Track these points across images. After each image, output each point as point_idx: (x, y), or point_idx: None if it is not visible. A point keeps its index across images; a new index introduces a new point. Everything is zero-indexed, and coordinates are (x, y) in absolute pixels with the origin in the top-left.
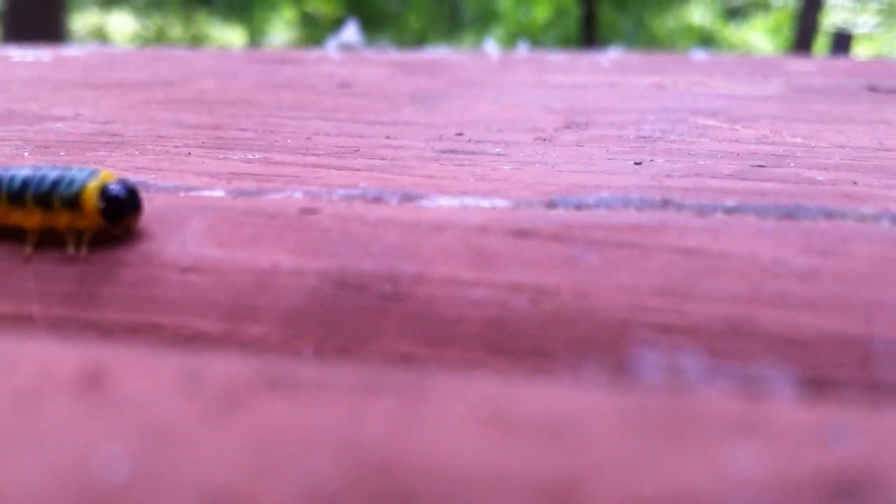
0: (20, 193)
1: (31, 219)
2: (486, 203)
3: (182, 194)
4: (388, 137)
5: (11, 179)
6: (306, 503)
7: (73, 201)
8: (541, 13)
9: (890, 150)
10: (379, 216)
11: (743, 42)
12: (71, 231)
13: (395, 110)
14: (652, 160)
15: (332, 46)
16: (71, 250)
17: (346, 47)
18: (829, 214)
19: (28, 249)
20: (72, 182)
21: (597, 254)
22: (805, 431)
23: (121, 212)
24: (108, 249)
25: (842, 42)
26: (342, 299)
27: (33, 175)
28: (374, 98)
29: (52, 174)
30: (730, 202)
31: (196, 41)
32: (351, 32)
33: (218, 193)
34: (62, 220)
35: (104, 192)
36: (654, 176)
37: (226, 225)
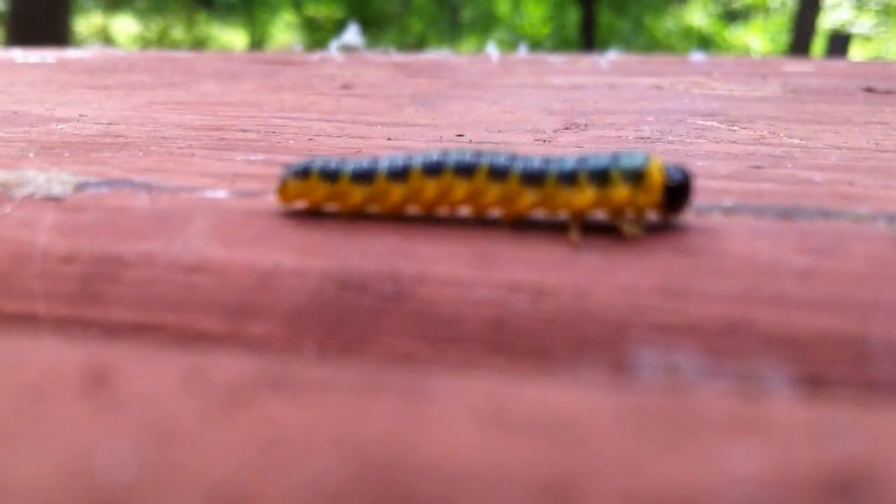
0: (573, 173)
1: (582, 198)
2: None
3: (186, 195)
4: (389, 139)
5: (562, 161)
6: (309, 500)
7: (637, 175)
8: (536, 13)
9: (886, 151)
10: (380, 216)
11: (741, 44)
12: (620, 211)
13: (397, 111)
14: None
15: (333, 49)
16: (628, 230)
17: (347, 49)
18: (826, 215)
19: (575, 235)
20: (634, 158)
21: (596, 253)
22: (802, 429)
23: (683, 192)
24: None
25: (839, 43)
26: (344, 299)
27: (586, 156)
28: (375, 99)
29: (607, 155)
30: (727, 202)
31: (198, 43)
32: (352, 34)
33: (221, 194)
34: (619, 196)
35: (670, 171)
36: None
37: (229, 225)
